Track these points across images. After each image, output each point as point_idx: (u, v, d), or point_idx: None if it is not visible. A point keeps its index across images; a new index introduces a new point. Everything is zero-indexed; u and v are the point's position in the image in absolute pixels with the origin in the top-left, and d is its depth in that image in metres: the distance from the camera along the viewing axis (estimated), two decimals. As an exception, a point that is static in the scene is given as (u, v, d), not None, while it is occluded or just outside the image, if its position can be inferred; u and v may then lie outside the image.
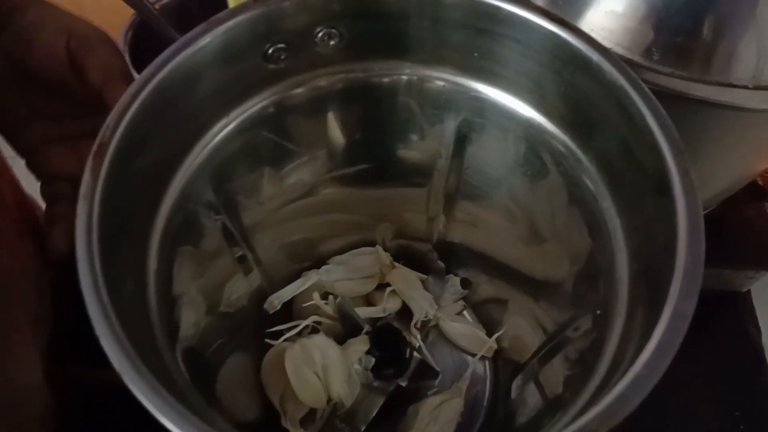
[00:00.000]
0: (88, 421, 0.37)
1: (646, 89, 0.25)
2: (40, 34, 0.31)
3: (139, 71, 0.26)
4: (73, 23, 0.32)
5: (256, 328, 0.39)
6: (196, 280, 0.32)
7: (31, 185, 0.40)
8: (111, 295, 0.21)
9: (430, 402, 0.38)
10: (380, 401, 0.36)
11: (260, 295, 0.40)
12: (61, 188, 0.34)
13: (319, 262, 0.42)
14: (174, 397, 0.20)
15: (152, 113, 0.25)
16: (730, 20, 0.31)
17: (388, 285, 0.42)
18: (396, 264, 0.43)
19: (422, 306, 0.41)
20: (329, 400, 0.36)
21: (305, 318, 0.39)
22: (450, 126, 0.35)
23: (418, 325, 0.41)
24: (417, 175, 0.38)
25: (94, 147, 0.23)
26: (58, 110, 0.33)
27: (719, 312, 0.48)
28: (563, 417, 0.24)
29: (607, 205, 0.28)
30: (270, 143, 0.34)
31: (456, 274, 0.44)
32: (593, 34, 0.27)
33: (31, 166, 0.35)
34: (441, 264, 0.44)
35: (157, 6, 0.55)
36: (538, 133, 0.31)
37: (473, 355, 0.41)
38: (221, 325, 0.35)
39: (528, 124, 0.32)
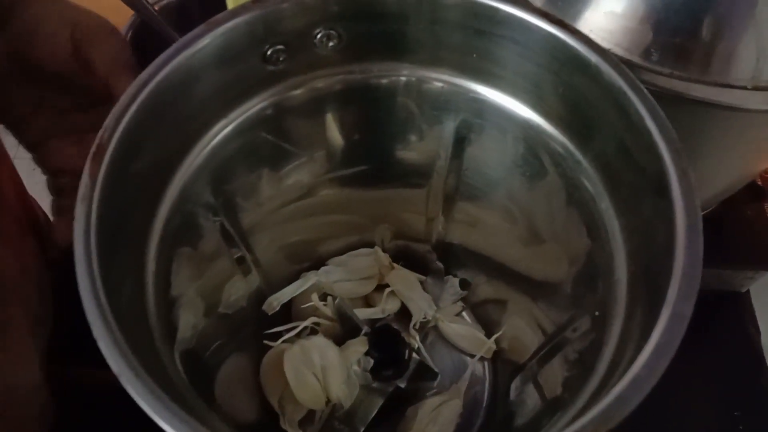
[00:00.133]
0: (87, 421, 0.37)
1: (645, 90, 0.25)
2: (44, 26, 0.31)
3: (138, 71, 0.26)
4: (78, 15, 0.32)
5: (255, 329, 0.39)
6: (194, 282, 0.32)
7: (32, 184, 0.40)
8: (109, 297, 0.21)
9: (429, 403, 0.38)
10: (379, 402, 0.36)
11: (259, 297, 0.40)
12: (67, 182, 0.34)
13: (318, 263, 0.42)
14: (172, 400, 0.20)
15: (151, 115, 0.25)
16: (729, 21, 0.31)
17: (387, 286, 0.42)
18: (395, 265, 0.43)
19: (421, 307, 0.41)
20: (328, 402, 0.36)
21: (304, 319, 0.39)
22: (449, 127, 0.35)
23: (417, 326, 0.41)
24: (416, 176, 0.38)
25: (93, 149, 0.23)
26: (63, 103, 0.33)
27: (719, 312, 0.48)
28: (562, 418, 0.24)
29: (606, 206, 0.28)
30: (269, 144, 0.34)
31: (455, 275, 0.44)
32: (592, 35, 0.27)
33: (38, 160, 0.35)
34: (440, 265, 0.44)
35: (156, 7, 0.55)
36: (536, 134, 0.31)
37: (472, 356, 0.41)
38: (220, 326, 0.35)
39: (527, 125, 0.32)
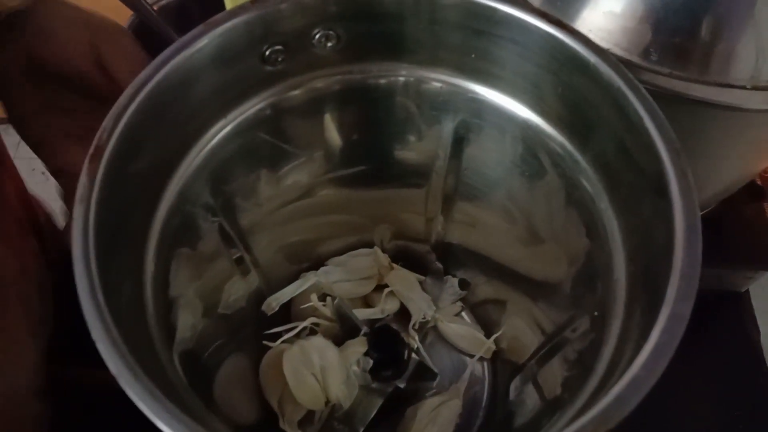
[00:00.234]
0: (87, 421, 0.37)
1: (643, 90, 0.25)
2: (62, 30, 0.32)
3: (137, 72, 0.26)
4: (90, 17, 0.33)
5: (254, 329, 0.39)
6: (193, 282, 0.32)
7: (32, 184, 0.40)
8: (107, 298, 0.21)
9: (429, 403, 0.38)
10: (378, 403, 0.36)
11: (258, 297, 0.40)
12: (70, 183, 0.34)
13: (317, 264, 0.42)
14: (171, 401, 0.19)
15: (149, 115, 0.25)
16: (729, 21, 0.31)
17: (387, 286, 0.42)
18: (394, 265, 0.43)
19: (420, 307, 0.41)
20: (327, 402, 0.36)
21: (303, 319, 0.39)
22: (448, 127, 0.35)
23: (417, 327, 0.41)
24: (415, 176, 0.38)
25: (91, 150, 0.23)
26: (72, 103, 0.34)
27: (718, 312, 0.48)
28: (561, 418, 0.24)
29: (605, 206, 0.28)
30: (267, 145, 0.34)
31: (454, 275, 0.44)
32: (591, 35, 0.27)
33: (44, 160, 0.35)
34: (439, 265, 0.44)
35: (155, 7, 0.55)
36: (535, 134, 0.31)
37: (472, 356, 0.41)
38: (219, 327, 0.35)
39: (525, 125, 0.32)
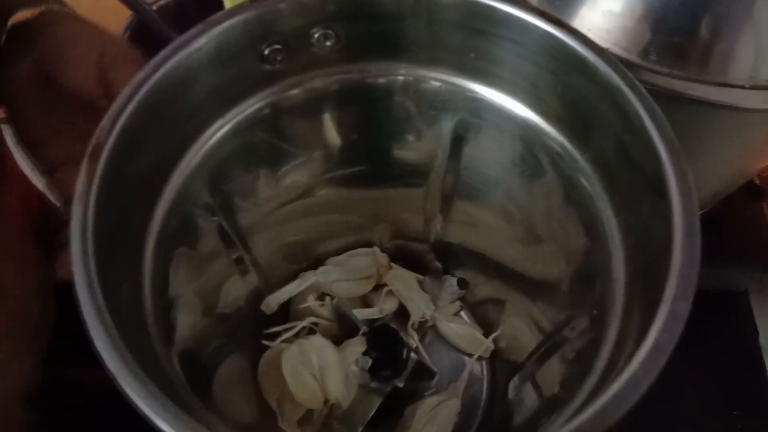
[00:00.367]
0: (87, 421, 0.37)
1: (643, 89, 0.25)
2: (72, 48, 0.31)
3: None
4: (106, 40, 0.31)
5: (253, 329, 0.39)
6: (192, 282, 0.32)
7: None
8: (106, 298, 0.21)
9: (428, 403, 0.38)
10: (377, 402, 0.36)
11: (257, 297, 0.40)
12: None
13: (316, 263, 0.42)
14: (170, 399, 0.19)
15: (148, 115, 0.25)
16: (728, 20, 0.31)
17: (385, 286, 0.42)
18: (393, 265, 0.43)
19: (419, 307, 0.41)
20: (326, 402, 0.36)
21: (302, 319, 0.39)
22: (447, 126, 0.35)
23: (415, 326, 0.41)
24: (414, 175, 0.38)
25: (89, 149, 0.23)
26: (84, 127, 0.33)
27: (717, 312, 0.48)
28: (560, 417, 0.24)
29: (604, 206, 0.28)
30: (266, 144, 0.34)
31: (453, 275, 0.44)
32: (590, 35, 0.27)
33: (54, 185, 0.34)
34: (438, 264, 0.44)
35: (154, 7, 0.55)
36: (534, 133, 0.31)
37: (470, 355, 0.41)
38: (218, 326, 0.35)
39: (525, 125, 0.32)
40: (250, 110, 0.31)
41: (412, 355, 0.38)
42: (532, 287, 0.37)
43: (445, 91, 0.33)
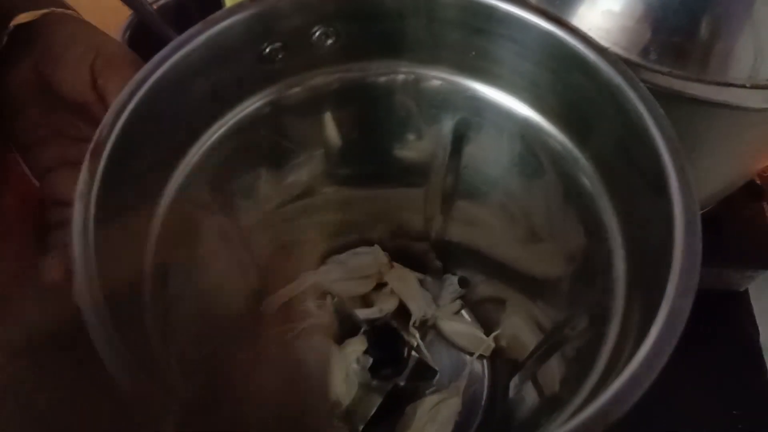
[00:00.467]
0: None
1: (643, 88, 0.25)
2: (69, 50, 0.30)
3: (135, 71, 0.26)
4: (103, 42, 0.31)
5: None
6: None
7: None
8: (106, 297, 0.21)
9: (428, 401, 0.38)
10: (378, 401, 0.36)
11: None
12: (67, 215, 0.33)
13: (316, 263, 0.42)
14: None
15: (149, 113, 0.25)
16: (727, 20, 0.31)
17: (386, 285, 0.42)
18: (394, 264, 0.43)
19: (420, 305, 0.41)
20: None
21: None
22: (447, 125, 0.35)
23: (416, 325, 0.41)
24: (414, 174, 0.38)
25: (91, 146, 0.23)
26: (78, 132, 0.32)
27: (717, 311, 0.48)
28: (560, 415, 0.24)
29: (604, 204, 0.28)
30: (267, 143, 0.34)
31: (454, 274, 0.44)
32: (590, 34, 0.27)
33: (44, 190, 0.34)
34: (439, 263, 0.44)
35: (154, 6, 0.55)
36: (535, 132, 0.31)
37: (471, 354, 0.41)
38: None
39: (525, 123, 0.32)
40: (250, 109, 0.31)
41: (413, 353, 0.38)
42: (533, 286, 0.37)
43: (445, 90, 0.33)
